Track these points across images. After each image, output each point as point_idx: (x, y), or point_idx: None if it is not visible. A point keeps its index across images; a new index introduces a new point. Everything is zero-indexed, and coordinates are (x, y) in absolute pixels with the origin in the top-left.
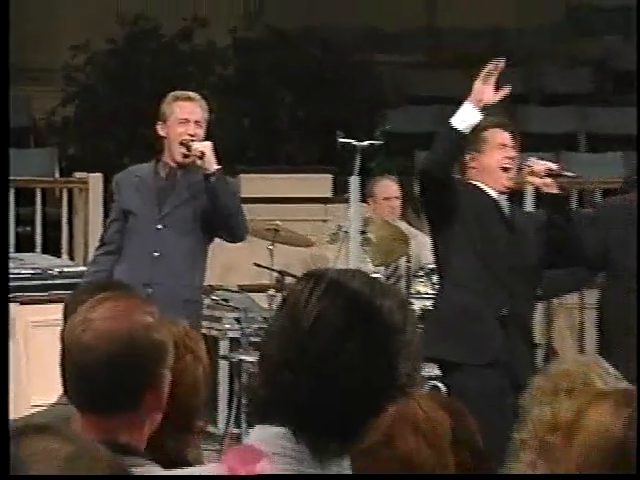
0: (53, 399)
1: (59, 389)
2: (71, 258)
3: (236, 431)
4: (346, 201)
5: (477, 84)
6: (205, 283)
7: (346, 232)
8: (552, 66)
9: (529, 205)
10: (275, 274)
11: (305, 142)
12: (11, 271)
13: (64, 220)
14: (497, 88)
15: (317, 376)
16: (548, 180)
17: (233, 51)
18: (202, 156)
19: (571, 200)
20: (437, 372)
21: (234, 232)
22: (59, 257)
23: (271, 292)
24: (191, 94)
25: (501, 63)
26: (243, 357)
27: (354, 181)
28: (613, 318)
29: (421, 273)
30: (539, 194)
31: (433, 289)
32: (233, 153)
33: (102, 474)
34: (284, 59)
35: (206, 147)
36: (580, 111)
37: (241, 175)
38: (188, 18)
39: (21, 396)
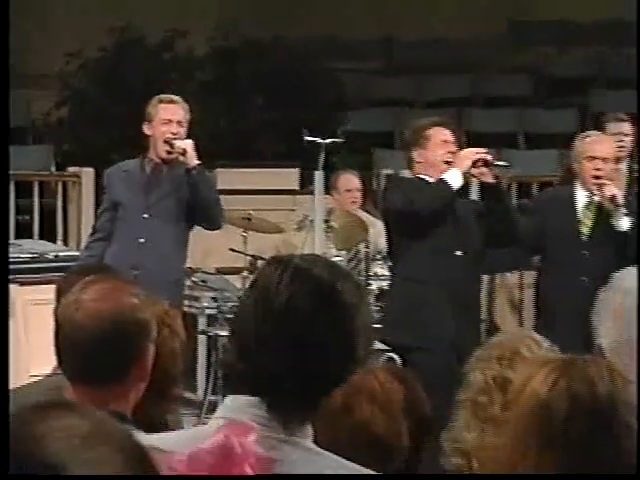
0: (49, 370)
1: (55, 361)
2: (65, 244)
3: (213, 398)
4: (311, 193)
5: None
6: (186, 266)
7: (311, 221)
8: (494, 73)
9: (474, 195)
10: (248, 258)
11: (275, 140)
12: (11, 255)
13: (59, 210)
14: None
15: (288, 352)
16: (484, 169)
17: (211, 59)
18: (184, 152)
19: (504, 189)
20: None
21: (212, 220)
22: (55, 243)
23: (245, 274)
24: (174, 97)
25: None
26: (219, 332)
27: (318, 175)
28: (549, 296)
29: (378, 257)
30: (481, 184)
31: (389, 271)
32: (211, 150)
33: (116, 450)
34: (256, 66)
35: (187, 144)
36: (519, 113)
37: (218, 169)
38: (170, 29)
39: (21, 368)
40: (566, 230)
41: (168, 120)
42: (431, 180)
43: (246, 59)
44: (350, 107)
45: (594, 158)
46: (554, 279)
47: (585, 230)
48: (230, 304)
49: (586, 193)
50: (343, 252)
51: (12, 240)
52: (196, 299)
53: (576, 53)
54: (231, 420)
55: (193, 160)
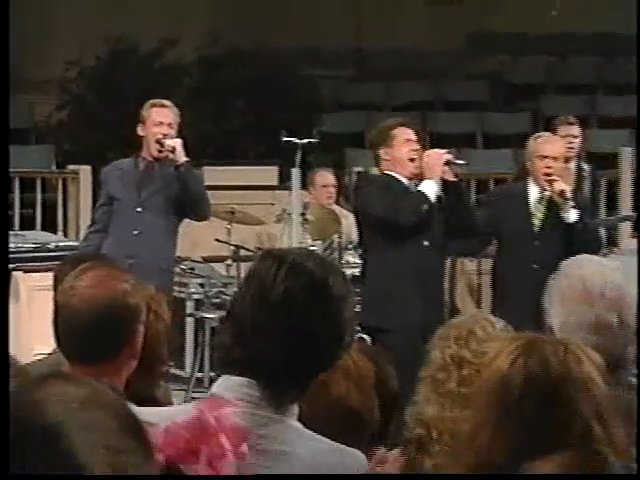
0: (51, 349)
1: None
2: (65, 235)
3: (199, 375)
4: (289, 189)
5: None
6: (176, 255)
7: (289, 214)
8: (455, 79)
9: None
10: (232, 248)
11: (256, 141)
12: (16, 245)
13: (59, 204)
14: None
15: (284, 340)
16: (445, 168)
17: (197, 66)
18: (173, 150)
19: (463, 186)
20: None
21: (200, 212)
22: (55, 234)
23: (229, 262)
24: (164, 101)
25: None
26: (205, 315)
27: (295, 172)
28: (504, 281)
29: (350, 247)
30: (442, 181)
31: (360, 259)
32: (198, 149)
33: (112, 417)
34: (239, 73)
35: (176, 143)
36: (477, 116)
37: (205, 167)
38: (161, 39)
39: (25, 347)
40: (520, 222)
41: (160, 122)
42: (401, 179)
43: (230, 66)
44: (325, 110)
45: (545, 157)
46: (509, 266)
47: (537, 222)
48: (215, 289)
49: (538, 189)
50: (318, 242)
51: (17, 231)
52: (185, 285)
53: (529, 62)
54: (212, 396)
55: (182, 157)
